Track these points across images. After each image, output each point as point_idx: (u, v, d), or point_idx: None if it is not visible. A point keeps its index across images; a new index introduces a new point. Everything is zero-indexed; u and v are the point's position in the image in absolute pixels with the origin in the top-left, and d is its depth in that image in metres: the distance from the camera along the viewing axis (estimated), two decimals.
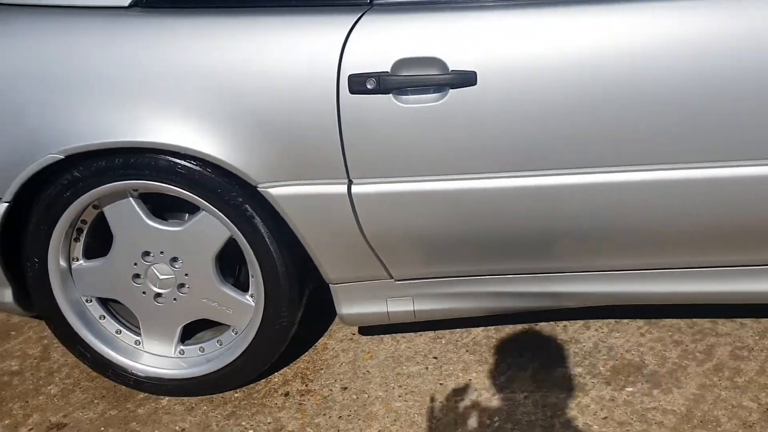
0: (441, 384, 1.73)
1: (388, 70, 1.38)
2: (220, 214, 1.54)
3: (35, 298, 1.70)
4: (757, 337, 1.77)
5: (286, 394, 1.75)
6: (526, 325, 1.89)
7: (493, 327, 1.89)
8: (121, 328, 1.77)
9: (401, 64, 1.38)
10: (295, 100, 1.42)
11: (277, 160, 1.46)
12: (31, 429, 1.71)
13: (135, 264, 1.65)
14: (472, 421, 1.61)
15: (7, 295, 1.69)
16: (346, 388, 1.75)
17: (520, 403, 1.64)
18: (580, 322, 1.88)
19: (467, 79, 1.37)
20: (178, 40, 1.45)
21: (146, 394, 1.77)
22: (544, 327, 1.88)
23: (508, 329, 1.88)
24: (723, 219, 1.46)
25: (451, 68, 1.37)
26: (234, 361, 1.70)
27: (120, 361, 1.74)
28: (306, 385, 1.77)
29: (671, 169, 1.40)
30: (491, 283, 1.63)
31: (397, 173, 1.45)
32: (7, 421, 1.74)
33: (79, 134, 1.48)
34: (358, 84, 1.39)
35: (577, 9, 1.36)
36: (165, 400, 1.76)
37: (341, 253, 1.57)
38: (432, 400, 1.68)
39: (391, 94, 1.39)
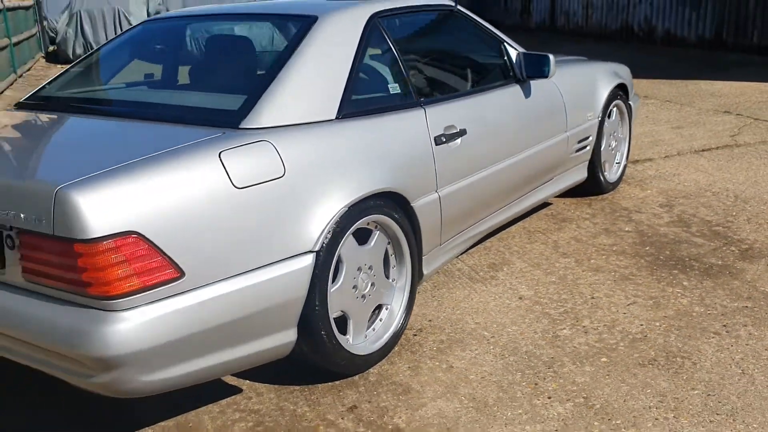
0: (486, 292, 3.20)
1: (443, 132, 2.94)
2: (396, 226, 2.69)
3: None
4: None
5: (407, 340, 2.89)
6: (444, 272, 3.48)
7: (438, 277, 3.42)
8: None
9: (445, 129, 2.96)
10: (415, 154, 2.81)
11: (413, 186, 2.78)
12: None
13: (354, 278, 2.58)
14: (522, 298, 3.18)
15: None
16: (431, 320, 3.02)
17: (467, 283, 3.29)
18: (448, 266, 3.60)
19: (464, 132, 3.06)
20: (368, 133, 2.65)
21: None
22: (447, 270, 3.50)
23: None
24: (524, 174, 3.56)
25: (458, 128, 3.03)
26: (400, 323, 2.78)
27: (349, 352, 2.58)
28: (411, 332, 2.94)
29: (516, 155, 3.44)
30: (472, 229, 3.28)
31: (453, 180, 3.00)
32: None
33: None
34: (438, 140, 2.91)
35: (488, 95, 3.26)
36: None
37: (431, 234, 2.94)
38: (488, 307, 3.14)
39: (446, 143, 2.94)
